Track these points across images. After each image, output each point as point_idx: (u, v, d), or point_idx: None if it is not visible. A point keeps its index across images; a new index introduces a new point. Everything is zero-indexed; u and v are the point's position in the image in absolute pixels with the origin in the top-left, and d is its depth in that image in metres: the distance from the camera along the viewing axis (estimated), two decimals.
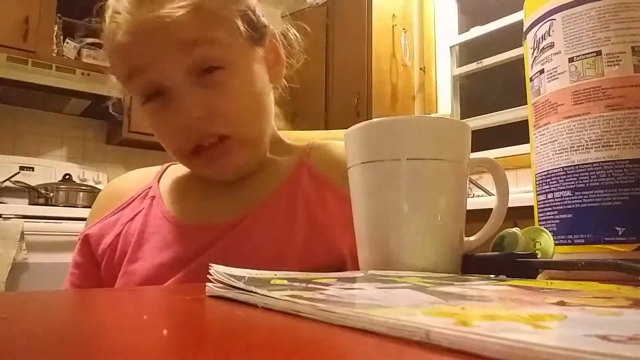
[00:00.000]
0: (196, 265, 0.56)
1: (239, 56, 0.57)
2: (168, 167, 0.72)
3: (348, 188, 0.57)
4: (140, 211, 0.64)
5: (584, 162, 0.41)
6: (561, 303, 0.20)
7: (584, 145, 0.41)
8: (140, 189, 0.67)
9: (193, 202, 0.64)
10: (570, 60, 0.43)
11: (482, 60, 2.92)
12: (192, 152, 0.57)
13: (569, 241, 0.42)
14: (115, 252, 0.62)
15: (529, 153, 0.49)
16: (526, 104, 0.49)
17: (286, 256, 0.56)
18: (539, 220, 0.46)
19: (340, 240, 0.56)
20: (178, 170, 0.70)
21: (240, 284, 0.24)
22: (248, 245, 0.57)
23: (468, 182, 0.41)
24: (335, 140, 0.68)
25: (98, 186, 2.66)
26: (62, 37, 2.72)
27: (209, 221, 0.60)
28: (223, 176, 0.61)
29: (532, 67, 0.47)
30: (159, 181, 0.68)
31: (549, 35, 0.45)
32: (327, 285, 0.25)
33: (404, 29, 3.04)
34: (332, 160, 0.63)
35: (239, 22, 0.56)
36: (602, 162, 0.40)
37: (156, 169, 0.71)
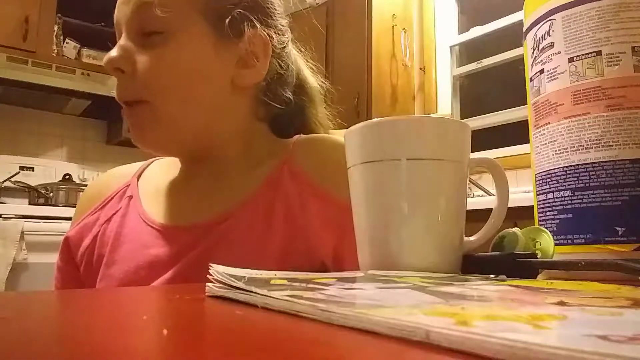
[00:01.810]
0: (178, 269, 0.55)
1: (187, 31, 0.56)
2: (152, 162, 0.70)
3: (332, 186, 0.57)
4: (117, 211, 0.63)
5: (584, 162, 0.41)
6: (561, 303, 0.20)
7: (584, 145, 0.41)
8: (119, 187, 0.66)
9: (172, 202, 0.63)
10: (570, 60, 0.43)
11: (482, 60, 2.92)
12: (123, 110, 0.58)
13: (569, 241, 0.42)
14: (93, 255, 0.61)
15: (529, 153, 0.49)
16: (526, 104, 0.49)
17: (265, 259, 0.54)
18: (539, 220, 0.46)
19: (319, 243, 0.55)
20: (160, 166, 0.69)
21: (240, 284, 0.24)
22: (226, 247, 0.56)
23: (468, 182, 0.41)
24: (323, 135, 0.67)
25: None
26: (62, 37, 2.72)
27: (188, 222, 0.59)
28: (141, 147, 0.59)
29: (532, 67, 0.47)
30: (139, 178, 0.67)
31: (549, 35, 0.45)
32: (327, 285, 0.25)
33: (404, 29, 3.04)
34: (316, 157, 0.61)
35: (206, 5, 0.56)
36: (602, 162, 0.40)
37: (138, 165, 0.70)
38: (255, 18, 0.60)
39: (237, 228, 0.57)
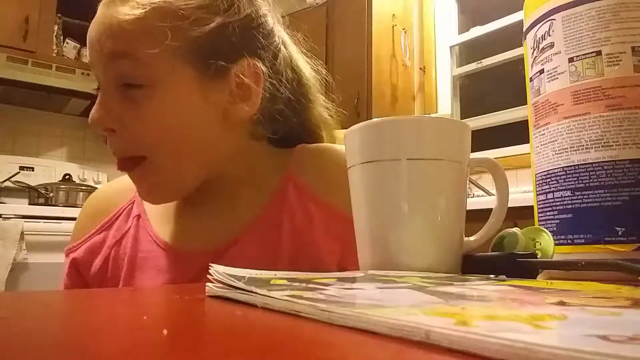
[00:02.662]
0: None
1: (169, 82, 0.52)
2: None
3: (335, 199, 0.57)
4: (127, 231, 0.62)
5: (584, 162, 0.41)
6: (561, 303, 0.20)
7: (583, 145, 0.41)
8: (124, 204, 0.65)
9: (182, 224, 0.62)
10: (570, 60, 0.43)
11: (482, 60, 2.93)
12: (120, 167, 0.55)
13: (569, 241, 0.42)
14: (106, 275, 0.60)
15: (529, 153, 0.49)
16: (526, 104, 0.49)
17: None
18: (539, 220, 0.46)
19: (325, 256, 0.56)
20: None
21: (240, 284, 0.24)
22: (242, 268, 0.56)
23: (468, 182, 0.41)
24: (325, 145, 0.65)
25: (98, 186, 2.66)
26: (62, 37, 2.73)
27: (201, 247, 0.59)
28: (147, 201, 0.59)
29: (532, 67, 0.47)
30: None
31: (549, 35, 0.45)
32: (327, 285, 0.25)
33: (404, 29, 3.04)
34: (319, 171, 0.61)
35: (188, 49, 0.52)
36: (602, 162, 0.40)
37: None
38: (242, 49, 0.56)
39: (248, 250, 0.57)
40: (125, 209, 0.64)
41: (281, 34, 0.65)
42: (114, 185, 0.71)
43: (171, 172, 0.55)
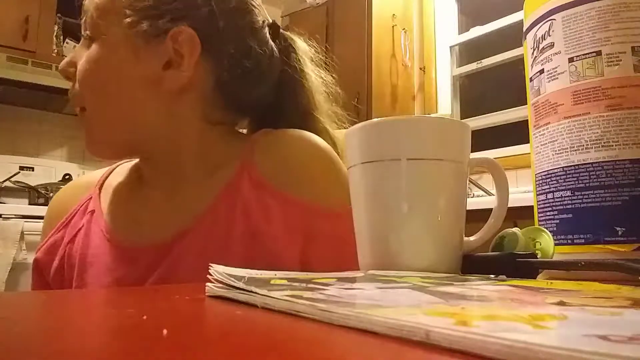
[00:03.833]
0: None
1: (107, 36, 0.56)
2: (115, 169, 0.68)
3: (293, 188, 0.55)
4: (80, 229, 0.61)
5: (584, 162, 0.41)
6: (561, 303, 0.20)
7: (583, 145, 0.41)
8: (82, 200, 0.64)
9: (132, 216, 0.61)
10: (570, 60, 0.43)
11: (482, 60, 2.93)
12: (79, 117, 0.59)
13: (569, 241, 0.42)
14: (63, 278, 0.60)
15: (529, 153, 0.49)
16: (526, 104, 0.49)
17: None
18: (539, 220, 0.46)
19: (283, 250, 0.54)
20: (122, 174, 0.66)
21: (240, 284, 0.24)
22: (188, 264, 0.54)
23: (468, 182, 0.41)
24: (283, 131, 0.62)
25: None
26: (62, 37, 2.73)
27: (149, 241, 0.57)
28: (90, 152, 0.60)
29: (532, 67, 0.47)
30: (100, 188, 0.65)
31: (549, 35, 0.45)
32: (327, 285, 0.25)
33: (404, 29, 3.04)
34: (275, 158, 0.58)
35: (127, 8, 0.55)
36: (602, 162, 0.40)
37: (102, 172, 0.68)
38: (182, 15, 0.56)
39: (197, 243, 0.55)
40: (81, 206, 0.64)
41: (289, 39, 0.66)
42: (75, 183, 0.71)
43: (101, 125, 0.57)
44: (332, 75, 0.71)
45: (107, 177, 0.67)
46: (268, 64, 0.62)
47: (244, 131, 0.69)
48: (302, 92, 0.65)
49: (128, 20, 0.55)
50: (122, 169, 0.68)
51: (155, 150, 0.59)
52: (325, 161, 0.59)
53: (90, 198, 0.64)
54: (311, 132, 0.62)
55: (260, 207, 0.55)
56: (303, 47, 0.68)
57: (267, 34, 0.63)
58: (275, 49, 0.63)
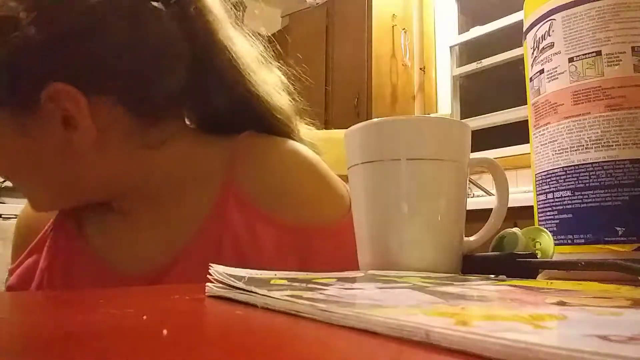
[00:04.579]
0: None
1: None
2: None
3: (281, 208, 0.51)
4: (58, 252, 0.57)
5: (584, 162, 0.41)
6: (561, 303, 0.20)
7: (584, 145, 0.41)
8: (55, 218, 0.59)
9: (118, 237, 0.56)
10: (570, 60, 0.43)
11: (482, 60, 2.93)
12: None
13: (569, 241, 0.42)
14: None
15: (529, 153, 0.49)
16: (526, 104, 0.49)
17: None
18: (539, 220, 0.46)
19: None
20: None
21: (240, 284, 0.24)
22: None
23: (468, 182, 0.41)
24: (266, 143, 0.56)
25: None
26: None
27: (139, 267, 0.54)
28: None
29: (532, 67, 0.47)
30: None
31: (549, 35, 0.45)
32: (327, 285, 0.25)
33: (404, 29, 3.04)
34: (259, 177, 0.53)
35: None
36: (602, 162, 0.40)
37: None
38: (44, 73, 0.46)
39: (189, 272, 0.51)
40: (55, 226, 0.58)
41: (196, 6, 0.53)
42: None
43: (31, 196, 0.54)
44: (249, 33, 0.59)
45: None
46: (168, 45, 0.51)
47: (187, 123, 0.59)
48: (222, 61, 0.54)
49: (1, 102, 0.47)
50: None
51: (115, 196, 0.55)
52: (314, 175, 0.55)
53: (65, 217, 0.59)
54: (251, 99, 0.55)
55: (248, 232, 0.52)
56: (218, 10, 0.55)
57: (153, 6, 0.50)
58: (172, 27, 0.51)
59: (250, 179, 0.53)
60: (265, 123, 0.57)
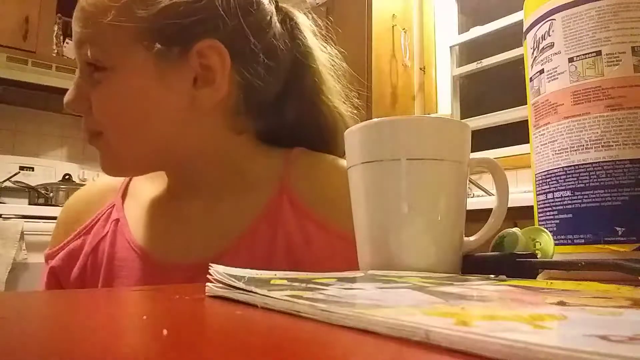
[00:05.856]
0: None
1: (124, 64, 0.51)
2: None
3: (335, 217, 0.53)
4: (103, 237, 0.59)
5: (584, 162, 0.41)
6: (561, 303, 0.20)
7: (583, 145, 0.41)
8: (103, 207, 0.62)
9: (163, 229, 0.58)
10: (570, 60, 0.43)
11: (482, 60, 2.92)
12: (88, 141, 0.55)
13: (569, 241, 0.42)
14: (84, 285, 0.58)
15: (529, 153, 0.49)
16: (526, 104, 0.49)
17: None
18: (539, 220, 0.46)
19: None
20: (146, 180, 0.64)
21: (240, 284, 0.24)
22: None
23: (468, 182, 0.41)
24: (322, 156, 0.61)
25: None
26: (62, 37, 2.73)
27: (183, 257, 0.55)
28: (105, 173, 0.57)
29: (532, 67, 0.47)
30: (123, 195, 0.63)
31: (549, 35, 0.45)
32: (327, 285, 0.25)
33: (404, 29, 3.04)
34: (316, 186, 0.57)
35: (140, 31, 0.51)
36: (602, 162, 0.40)
37: (121, 178, 0.65)
38: (202, 29, 0.52)
39: (238, 263, 0.52)
40: (104, 213, 0.61)
41: (293, 15, 0.61)
42: (94, 187, 0.67)
43: (125, 149, 0.54)
44: (335, 48, 0.66)
45: (128, 184, 0.65)
46: (283, 54, 0.58)
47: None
48: (309, 74, 0.61)
49: (145, 42, 0.51)
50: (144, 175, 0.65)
51: (187, 166, 0.57)
52: None
53: (114, 205, 0.62)
54: (319, 114, 0.61)
55: (301, 234, 0.54)
56: (304, 21, 0.63)
57: (276, 20, 0.58)
58: (284, 32, 0.59)
59: (306, 186, 0.57)
60: (317, 139, 0.62)
